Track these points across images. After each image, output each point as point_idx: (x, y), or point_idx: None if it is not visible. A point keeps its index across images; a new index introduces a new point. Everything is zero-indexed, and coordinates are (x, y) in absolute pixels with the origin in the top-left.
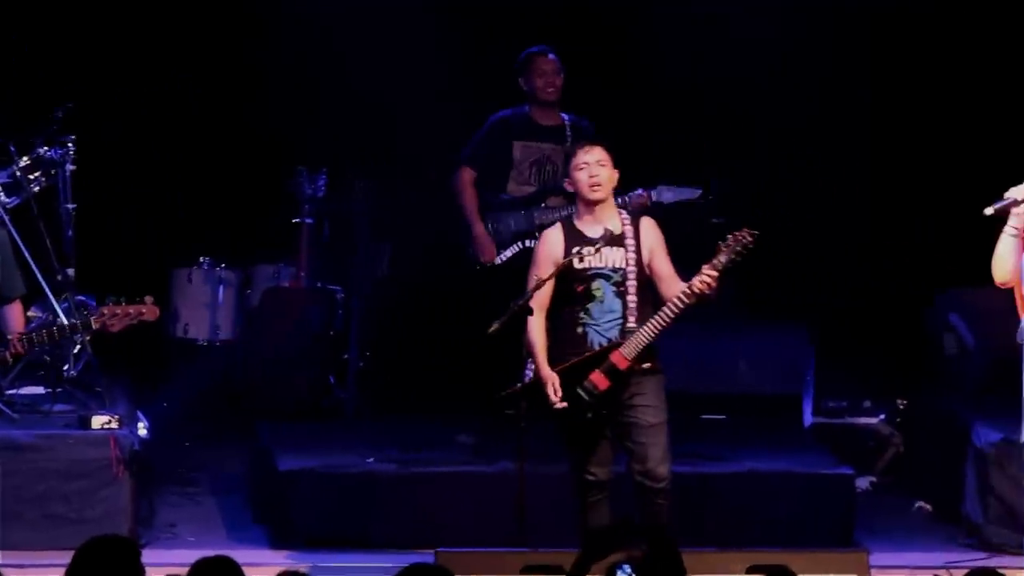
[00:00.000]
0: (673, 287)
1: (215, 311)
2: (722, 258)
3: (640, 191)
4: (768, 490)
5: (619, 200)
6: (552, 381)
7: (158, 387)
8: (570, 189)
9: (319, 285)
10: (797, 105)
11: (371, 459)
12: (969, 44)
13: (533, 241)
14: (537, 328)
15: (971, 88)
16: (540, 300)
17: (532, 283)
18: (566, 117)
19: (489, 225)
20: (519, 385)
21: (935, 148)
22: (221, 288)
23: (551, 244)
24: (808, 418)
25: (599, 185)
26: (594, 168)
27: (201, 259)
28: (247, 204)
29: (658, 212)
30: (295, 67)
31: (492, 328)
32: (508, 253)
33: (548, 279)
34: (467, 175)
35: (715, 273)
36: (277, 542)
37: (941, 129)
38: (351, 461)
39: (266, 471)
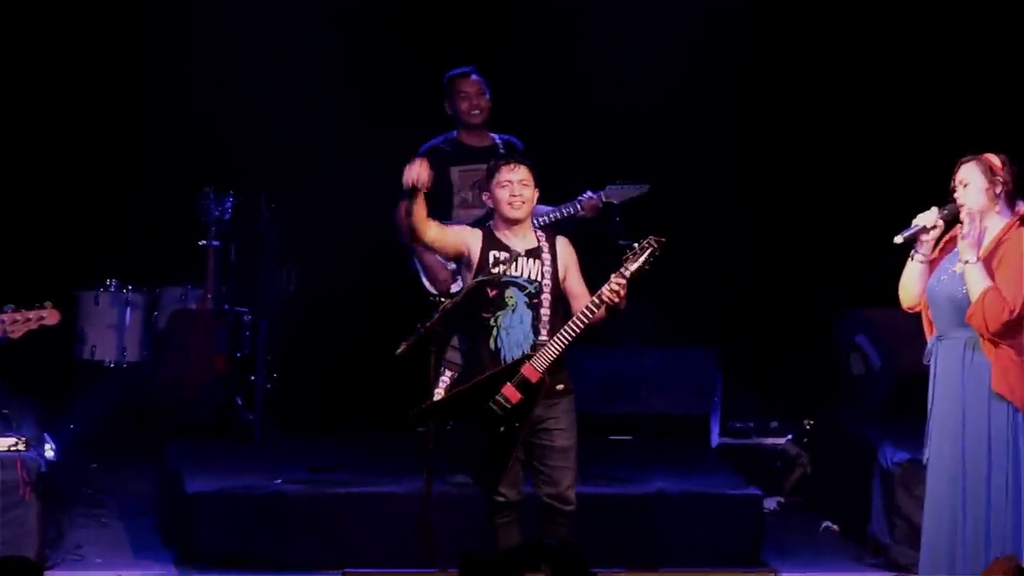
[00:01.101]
0: (584, 305)
1: (122, 333)
2: (631, 266)
3: (589, 193)
4: (676, 511)
5: (570, 205)
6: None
7: (65, 409)
8: (489, 204)
9: (226, 307)
10: (702, 126)
11: (279, 480)
12: (881, 63)
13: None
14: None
15: (879, 109)
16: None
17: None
18: (496, 137)
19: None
20: (430, 402)
21: (842, 170)
22: (128, 310)
23: (472, 235)
24: (715, 439)
25: (521, 204)
26: (517, 188)
27: (108, 281)
28: (154, 226)
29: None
30: (203, 88)
31: (399, 350)
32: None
33: (460, 297)
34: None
35: (623, 281)
36: (184, 564)
37: (847, 149)
38: (259, 482)
39: (174, 493)
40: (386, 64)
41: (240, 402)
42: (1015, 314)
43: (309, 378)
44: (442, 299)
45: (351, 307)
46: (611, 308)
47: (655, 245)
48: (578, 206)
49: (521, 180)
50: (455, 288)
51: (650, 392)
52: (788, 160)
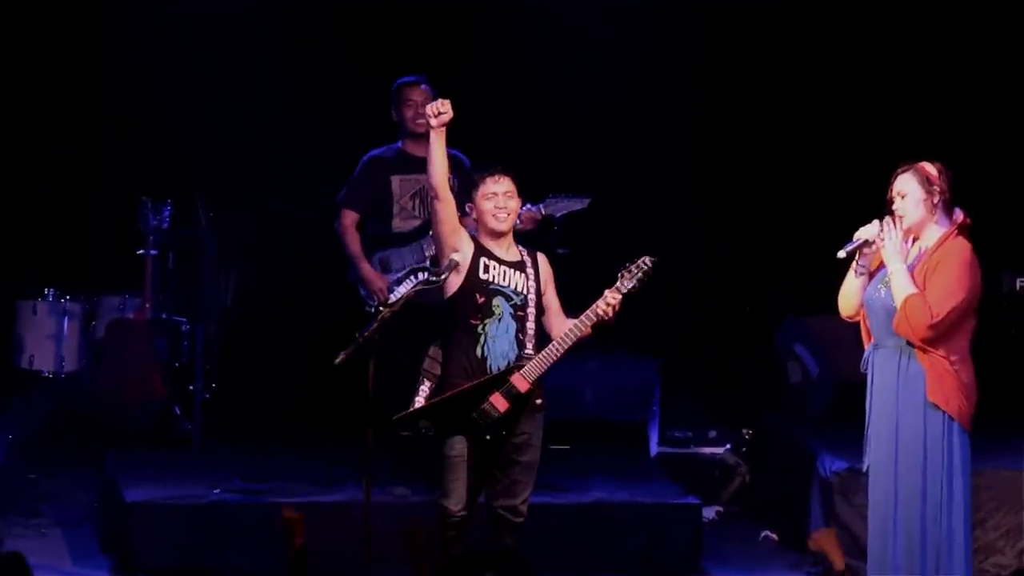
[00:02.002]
0: (560, 321)
1: (60, 342)
2: (626, 283)
3: (529, 206)
4: (614, 520)
5: None
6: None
7: (3, 418)
8: (472, 216)
9: (164, 316)
10: (648, 133)
11: (217, 489)
12: (821, 75)
13: (426, 273)
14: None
15: (821, 117)
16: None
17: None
18: None
19: (377, 263)
20: (413, 409)
21: (782, 179)
22: (66, 320)
23: (467, 239)
24: (654, 448)
25: (506, 216)
26: (502, 200)
27: (46, 290)
28: (92, 235)
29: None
30: (142, 97)
31: (339, 359)
32: (403, 288)
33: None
34: (348, 218)
35: (619, 296)
36: (122, 573)
37: (789, 159)
38: (197, 492)
39: (112, 502)
40: (326, 70)
41: (179, 411)
42: (937, 320)
43: (248, 387)
44: (380, 308)
45: (290, 316)
46: (599, 325)
47: (649, 266)
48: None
49: (506, 192)
50: (392, 298)
51: (589, 400)
52: (730, 170)
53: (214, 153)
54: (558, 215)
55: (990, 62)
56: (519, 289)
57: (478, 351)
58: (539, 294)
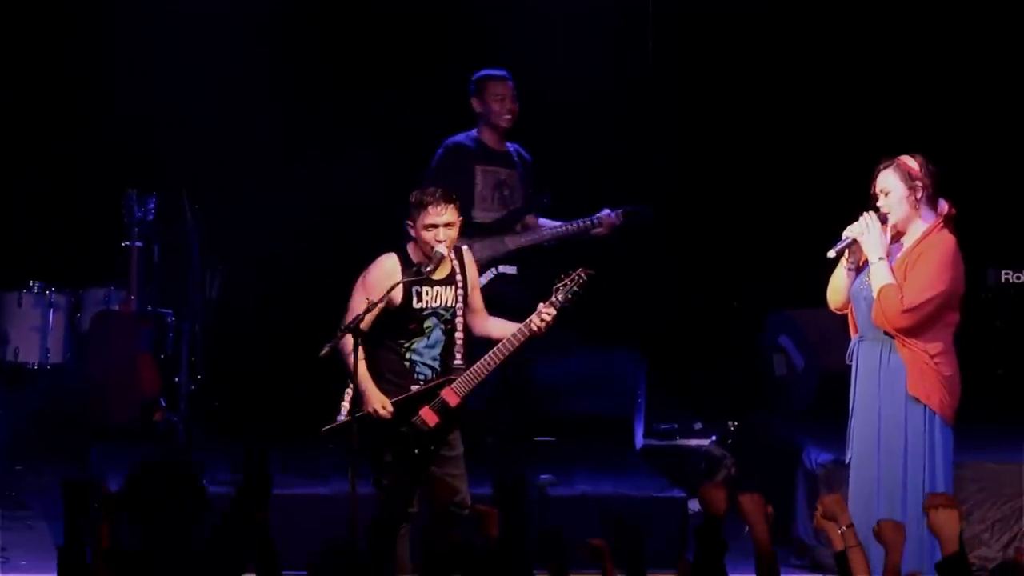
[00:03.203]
0: (482, 319)
1: (45, 334)
2: (559, 296)
3: (608, 211)
4: (600, 514)
5: (586, 220)
6: (383, 404)
7: None
8: (412, 234)
9: (149, 308)
10: (630, 127)
11: (203, 481)
12: (804, 71)
13: (506, 267)
14: (358, 353)
15: (804, 113)
16: (363, 325)
17: (360, 306)
18: (510, 146)
19: None
20: (339, 422)
21: (768, 173)
22: (51, 312)
23: (387, 272)
24: (639, 441)
25: (444, 246)
26: (442, 232)
27: (31, 282)
28: (77, 227)
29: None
30: (127, 89)
31: (323, 351)
32: (483, 280)
33: (379, 302)
34: None
35: (554, 311)
36: None
37: (773, 153)
38: None
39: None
40: (312, 64)
41: (164, 404)
42: (909, 309)
43: (233, 379)
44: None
45: (275, 308)
46: (534, 335)
47: (584, 278)
48: (596, 222)
49: (447, 223)
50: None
51: (574, 394)
52: (714, 163)
53: (200, 146)
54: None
55: (976, 57)
56: (449, 304)
57: (405, 363)
58: (466, 301)
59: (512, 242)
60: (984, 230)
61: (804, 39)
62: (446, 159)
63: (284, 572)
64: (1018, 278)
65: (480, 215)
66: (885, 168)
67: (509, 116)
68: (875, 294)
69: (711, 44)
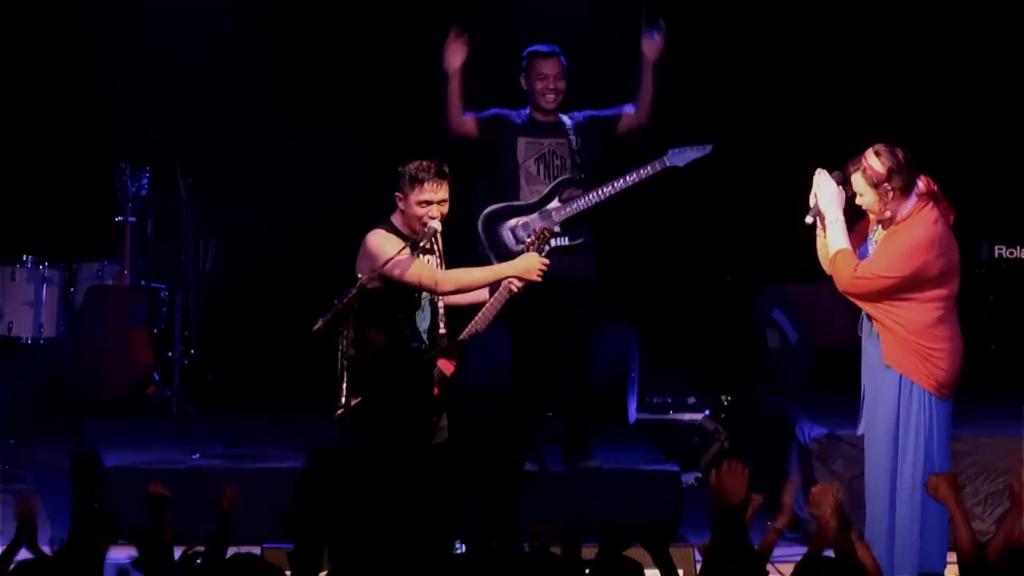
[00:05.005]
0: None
1: (39, 309)
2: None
3: (652, 162)
4: (594, 486)
5: (633, 174)
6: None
7: None
8: (400, 206)
9: (143, 283)
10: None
11: (196, 455)
12: (796, 40)
13: (563, 239)
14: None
15: (795, 85)
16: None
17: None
18: (566, 119)
19: (509, 233)
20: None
21: (760, 146)
22: (45, 286)
23: (393, 242)
24: (633, 414)
25: (437, 221)
26: (435, 209)
27: (24, 257)
28: (71, 201)
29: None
30: (120, 63)
31: (317, 325)
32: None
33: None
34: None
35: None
36: None
37: (764, 127)
38: (176, 457)
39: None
40: (305, 38)
41: (157, 377)
42: (861, 277)
43: (227, 353)
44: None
45: (268, 282)
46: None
47: (549, 235)
48: (641, 174)
49: (441, 200)
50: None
51: None
52: (708, 135)
53: (194, 120)
54: (682, 164)
55: (969, 33)
56: None
57: (406, 338)
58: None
59: (559, 214)
60: (978, 205)
61: (801, 17)
62: (492, 112)
63: (271, 545)
64: (1012, 253)
65: (527, 193)
66: (854, 172)
67: (553, 96)
68: (831, 253)
69: (706, 19)
